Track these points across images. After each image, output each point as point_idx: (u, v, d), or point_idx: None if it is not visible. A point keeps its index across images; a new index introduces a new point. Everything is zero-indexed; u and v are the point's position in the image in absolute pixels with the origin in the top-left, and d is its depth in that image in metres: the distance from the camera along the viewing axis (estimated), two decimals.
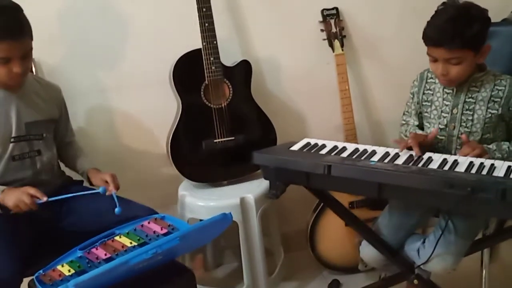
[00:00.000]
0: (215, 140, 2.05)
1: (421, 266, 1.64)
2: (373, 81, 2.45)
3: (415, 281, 1.69)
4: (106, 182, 1.82)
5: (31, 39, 1.69)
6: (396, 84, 2.41)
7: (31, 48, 1.70)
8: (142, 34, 2.19)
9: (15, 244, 1.64)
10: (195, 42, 2.04)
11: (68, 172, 1.99)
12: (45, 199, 1.64)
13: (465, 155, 1.53)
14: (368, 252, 1.79)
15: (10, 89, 1.75)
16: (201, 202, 2.01)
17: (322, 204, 2.25)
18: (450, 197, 1.36)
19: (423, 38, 1.62)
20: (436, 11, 1.62)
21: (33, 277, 1.43)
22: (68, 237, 1.75)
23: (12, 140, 1.75)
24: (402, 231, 1.76)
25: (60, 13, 1.81)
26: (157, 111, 2.25)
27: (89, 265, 1.43)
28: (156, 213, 1.77)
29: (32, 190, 1.65)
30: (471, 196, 1.31)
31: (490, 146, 1.65)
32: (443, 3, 1.61)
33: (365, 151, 1.63)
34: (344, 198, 2.21)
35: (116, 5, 2.15)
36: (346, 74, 2.22)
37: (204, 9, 1.96)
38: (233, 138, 2.06)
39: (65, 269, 1.44)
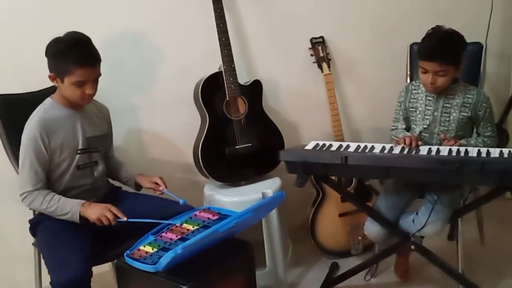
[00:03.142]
0: (236, 147, 2.42)
1: (417, 233, 2.09)
2: (351, 96, 2.89)
3: (412, 247, 2.14)
4: (156, 183, 2.15)
5: (100, 66, 2.00)
6: (370, 98, 2.92)
7: (100, 74, 2.00)
8: (169, 61, 2.53)
9: (82, 245, 1.88)
10: (211, 68, 2.42)
11: None
12: (125, 219, 1.87)
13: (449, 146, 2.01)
14: (371, 228, 2.21)
15: (76, 108, 2.04)
16: (230, 198, 2.35)
17: (319, 199, 2.66)
18: (442, 172, 1.83)
19: (418, 53, 2.10)
20: (427, 34, 2.10)
21: (124, 255, 1.73)
22: (121, 235, 2.01)
23: (78, 152, 2.04)
24: (397, 209, 2.20)
25: (101, 41, 2.07)
26: (180, 128, 2.59)
27: (168, 244, 1.76)
28: (193, 208, 2.11)
29: (114, 209, 1.89)
30: (459, 169, 1.78)
31: (462, 141, 2.12)
32: (432, 29, 2.10)
33: (365, 146, 2.07)
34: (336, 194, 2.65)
35: (149, 36, 2.49)
36: (334, 90, 2.67)
37: (223, 39, 2.36)
38: (250, 144, 2.44)
39: (148, 249, 1.75)
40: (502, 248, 2.70)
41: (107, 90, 2.18)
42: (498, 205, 2.29)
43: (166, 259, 1.54)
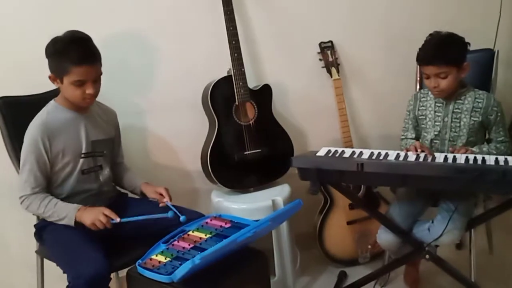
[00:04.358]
0: (245, 152, 2.37)
1: (433, 242, 2.04)
2: (360, 101, 2.85)
3: (427, 256, 2.10)
4: (160, 194, 2.07)
5: (101, 65, 1.94)
6: (378, 104, 2.88)
7: (101, 73, 1.94)
8: (174, 64, 2.48)
9: (99, 244, 1.84)
10: (217, 71, 2.38)
11: None
12: (118, 220, 1.82)
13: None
14: (385, 237, 2.16)
15: (80, 110, 1.98)
16: (239, 205, 2.30)
17: (327, 206, 2.62)
18: (461, 180, 1.79)
19: (417, 60, 2.10)
20: (425, 40, 2.10)
21: (136, 265, 1.67)
22: (129, 241, 1.98)
23: (82, 156, 1.98)
24: (410, 217, 2.16)
25: (104, 41, 2.01)
26: (186, 132, 2.54)
27: (182, 253, 1.69)
28: (204, 215, 2.06)
29: (107, 211, 1.84)
30: (479, 178, 1.75)
31: (474, 149, 2.10)
32: (430, 34, 2.10)
33: (379, 153, 2.02)
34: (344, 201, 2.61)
35: (154, 37, 2.44)
36: (343, 96, 2.64)
37: (233, 42, 2.31)
38: (259, 150, 2.39)
39: (161, 258, 1.69)
40: (511, 258, 2.67)
41: (110, 92, 2.13)
42: (505, 214, 2.27)
43: (183, 269, 1.48)
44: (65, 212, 1.87)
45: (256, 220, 1.77)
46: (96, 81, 1.92)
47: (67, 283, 1.73)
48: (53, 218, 1.88)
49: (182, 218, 1.87)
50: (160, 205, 2.08)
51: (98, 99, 2.03)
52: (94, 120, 2.04)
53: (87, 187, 2.01)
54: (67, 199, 1.96)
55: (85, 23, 2.01)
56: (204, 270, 1.61)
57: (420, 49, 2.12)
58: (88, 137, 2.00)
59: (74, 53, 1.83)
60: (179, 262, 1.63)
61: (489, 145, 2.17)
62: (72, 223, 1.85)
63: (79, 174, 1.98)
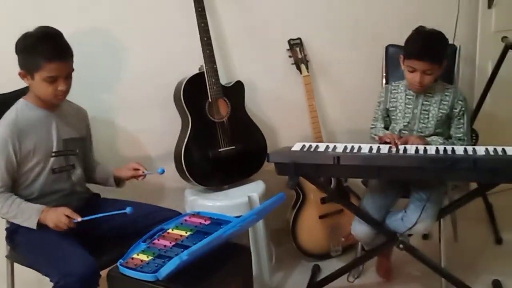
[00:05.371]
0: (219, 150, 2.36)
1: (406, 231, 2.10)
2: (328, 97, 2.89)
3: (401, 245, 2.16)
4: (135, 169, 2.07)
5: (73, 61, 1.90)
6: (346, 100, 2.93)
7: (73, 70, 1.90)
8: (144, 61, 2.45)
9: (80, 243, 1.81)
10: (188, 68, 2.36)
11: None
12: (79, 219, 1.79)
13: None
14: (359, 228, 2.21)
15: (50, 108, 1.93)
16: (214, 203, 2.29)
17: (299, 202, 2.65)
18: (434, 170, 1.85)
19: (406, 53, 2.12)
20: (413, 34, 2.13)
21: (117, 264, 1.63)
22: (107, 240, 1.96)
23: (52, 154, 1.93)
24: (383, 209, 2.22)
25: (71, 38, 1.93)
26: (157, 130, 2.51)
27: (164, 251, 1.67)
28: (181, 214, 2.04)
29: (68, 211, 1.80)
30: (451, 167, 1.81)
31: (429, 139, 2.17)
32: (416, 29, 2.14)
33: (353, 147, 2.06)
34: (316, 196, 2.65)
35: (122, 35, 2.40)
36: (313, 92, 2.68)
37: (205, 38, 2.30)
38: (233, 147, 2.38)
39: (143, 257, 1.66)
40: (475, 245, 2.79)
41: (79, 90, 2.06)
42: (468, 204, 2.37)
43: (170, 266, 1.46)
44: (28, 214, 1.82)
45: (237, 217, 1.78)
46: (67, 78, 1.88)
47: (51, 285, 1.69)
48: (17, 220, 1.84)
49: (128, 209, 1.79)
50: (139, 178, 2.09)
51: (67, 97, 1.98)
52: (65, 118, 1.99)
53: (58, 187, 1.95)
54: (38, 199, 1.91)
55: (53, 20, 1.94)
56: (188, 266, 1.59)
57: (408, 43, 2.15)
58: (60, 135, 1.95)
59: (46, 48, 1.78)
60: (162, 260, 1.61)
61: (448, 140, 2.23)
62: (34, 226, 1.81)
63: (49, 173, 1.92)
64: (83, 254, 1.73)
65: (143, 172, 2.06)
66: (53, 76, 1.82)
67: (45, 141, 1.91)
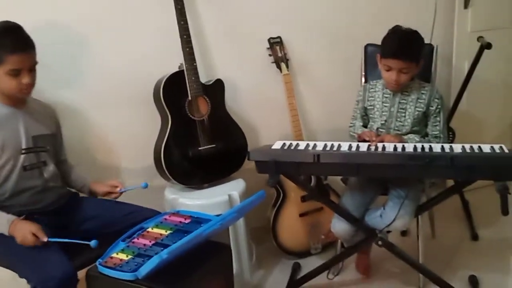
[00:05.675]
0: (199, 148, 2.35)
1: (385, 228, 2.13)
2: (308, 96, 2.91)
3: (379, 242, 2.18)
4: (114, 186, 2.07)
5: (35, 53, 1.88)
6: (325, 99, 2.95)
7: (37, 62, 1.88)
8: (122, 59, 2.43)
9: (56, 246, 1.77)
10: (168, 67, 2.34)
11: None
12: (45, 239, 1.74)
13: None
14: (339, 226, 2.23)
15: (17, 105, 1.91)
16: (194, 202, 2.28)
17: (280, 200, 2.65)
18: (413, 167, 1.87)
19: (382, 52, 2.14)
20: (389, 33, 2.16)
21: (96, 264, 1.62)
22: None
23: (22, 152, 1.91)
24: (362, 206, 2.24)
25: (39, 33, 1.92)
26: (135, 129, 2.49)
27: (144, 250, 1.66)
28: (160, 213, 2.03)
29: (34, 229, 1.75)
30: (429, 164, 1.84)
31: (405, 137, 2.20)
32: (392, 28, 2.16)
33: (332, 145, 2.08)
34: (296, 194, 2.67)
35: (98, 32, 2.37)
36: (293, 90, 2.69)
37: (185, 36, 2.29)
38: (214, 145, 2.38)
39: (122, 256, 1.65)
40: (452, 242, 2.83)
41: (49, 88, 2.05)
42: (445, 201, 2.41)
43: (150, 265, 1.45)
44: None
45: (218, 215, 1.77)
46: (31, 70, 1.86)
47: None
48: None
49: (92, 242, 1.69)
50: (112, 196, 2.08)
51: (36, 96, 1.96)
52: (33, 115, 1.97)
53: (31, 184, 1.93)
54: (11, 198, 1.89)
55: (20, 13, 1.94)
56: (168, 265, 1.59)
57: (386, 41, 2.17)
58: (28, 132, 1.92)
59: (8, 41, 1.77)
60: (142, 259, 1.60)
61: (424, 138, 2.27)
62: (6, 233, 1.78)
63: (20, 170, 1.90)
64: (61, 257, 1.71)
65: (120, 190, 2.07)
66: (16, 69, 1.80)
67: (13, 138, 1.89)
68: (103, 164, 2.52)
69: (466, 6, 3.06)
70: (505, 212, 1.81)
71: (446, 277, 2.31)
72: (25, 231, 1.75)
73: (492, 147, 1.89)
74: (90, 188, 2.12)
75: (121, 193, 2.09)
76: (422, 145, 1.98)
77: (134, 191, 2.12)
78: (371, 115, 2.32)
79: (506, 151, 1.87)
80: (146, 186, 2.07)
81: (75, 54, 2.37)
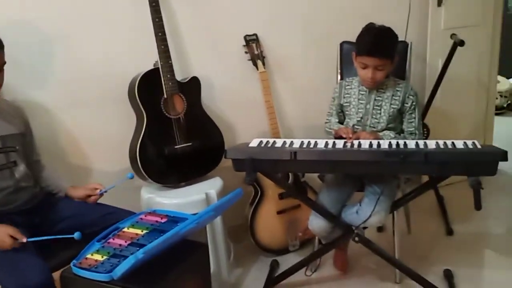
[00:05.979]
0: (175, 146, 2.33)
1: (361, 224, 2.14)
2: (284, 94, 2.91)
3: (356, 238, 2.19)
4: (94, 188, 2.03)
5: (3, 53, 1.83)
6: (301, 97, 2.96)
7: (5, 62, 1.84)
8: (95, 57, 2.39)
9: (31, 250, 1.73)
10: (142, 65, 2.31)
11: None
12: (24, 240, 1.71)
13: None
14: (316, 223, 2.24)
15: None
16: (171, 201, 2.26)
17: (257, 198, 2.65)
18: (388, 164, 1.89)
19: (358, 49, 2.15)
20: (364, 30, 2.17)
21: (70, 265, 1.59)
22: (56, 242, 1.83)
23: None
24: (339, 203, 2.25)
25: (10, 31, 1.91)
26: (108, 128, 2.46)
27: (119, 250, 1.64)
28: (135, 213, 2.00)
29: (11, 231, 1.72)
30: (404, 161, 1.86)
31: (381, 134, 2.22)
32: (366, 26, 2.18)
33: (309, 142, 2.08)
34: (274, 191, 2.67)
35: (67, 28, 2.33)
36: (269, 88, 2.68)
37: (160, 34, 2.27)
38: (190, 143, 2.36)
39: (97, 257, 1.63)
40: (427, 237, 2.87)
41: (21, 88, 2.00)
42: (420, 196, 2.45)
43: (125, 265, 1.43)
44: None
45: (194, 214, 1.76)
46: (0, 70, 1.82)
47: None
48: None
49: (76, 234, 1.69)
50: (92, 198, 2.03)
51: (7, 95, 1.92)
52: (1, 114, 1.93)
53: (3, 185, 1.88)
54: None
55: None
56: (144, 265, 1.57)
57: (361, 39, 2.18)
58: None
59: None
60: (118, 260, 1.58)
61: (400, 135, 2.29)
62: None
63: None
64: (38, 262, 1.67)
65: (99, 191, 2.03)
66: None
67: None
68: (77, 164, 2.47)
69: (439, 3, 3.10)
70: (478, 207, 1.84)
71: (421, 271, 2.34)
72: (2, 234, 1.71)
73: (465, 143, 1.92)
74: (66, 194, 2.07)
75: (101, 195, 2.05)
76: (397, 142, 1.99)
77: (111, 190, 2.08)
78: (347, 112, 2.33)
79: (479, 146, 1.90)
80: (132, 177, 2.05)
81: (47, 52, 2.31)
